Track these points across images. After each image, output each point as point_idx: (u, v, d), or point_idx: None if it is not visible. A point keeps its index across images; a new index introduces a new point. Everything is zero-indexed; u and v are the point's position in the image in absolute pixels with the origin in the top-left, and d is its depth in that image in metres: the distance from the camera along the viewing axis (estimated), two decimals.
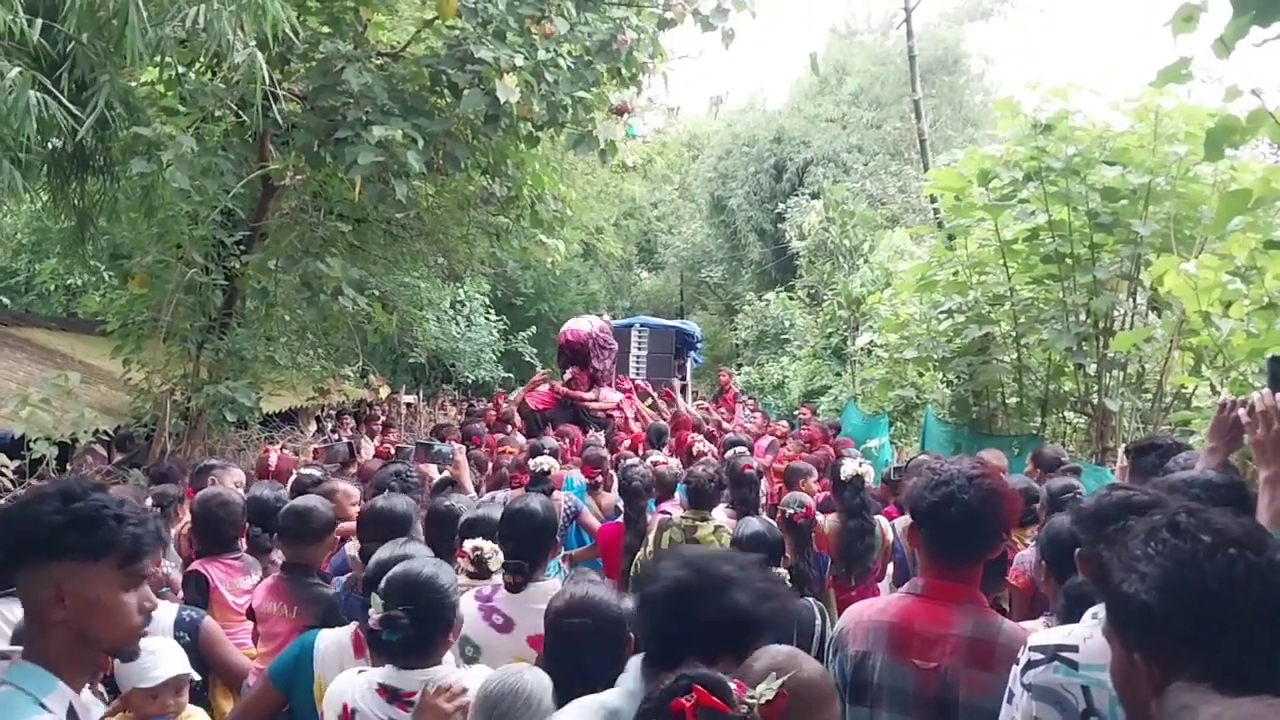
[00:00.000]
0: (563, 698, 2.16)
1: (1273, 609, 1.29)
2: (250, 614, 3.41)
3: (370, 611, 2.37)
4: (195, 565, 3.85)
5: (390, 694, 2.34)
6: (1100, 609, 2.05)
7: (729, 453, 5.96)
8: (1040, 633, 2.19)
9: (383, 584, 2.42)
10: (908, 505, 2.53)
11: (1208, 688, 1.19)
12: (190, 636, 3.14)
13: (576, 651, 2.27)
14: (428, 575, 2.44)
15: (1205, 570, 1.31)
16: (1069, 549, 2.26)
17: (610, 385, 11.55)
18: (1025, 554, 3.81)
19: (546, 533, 3.21)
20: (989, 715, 2.19)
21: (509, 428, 8.71)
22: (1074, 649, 2.02)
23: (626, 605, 2.86)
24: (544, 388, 11.31)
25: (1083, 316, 7.41)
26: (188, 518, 4.40)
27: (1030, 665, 2.06)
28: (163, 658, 2.69)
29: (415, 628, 2.34)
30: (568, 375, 11.21)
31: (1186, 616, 1.30)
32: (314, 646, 2.78)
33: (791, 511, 4.28)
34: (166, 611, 3.19)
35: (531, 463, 5.34)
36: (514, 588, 3.08)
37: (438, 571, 2.48)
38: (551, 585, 3.05)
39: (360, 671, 2.47)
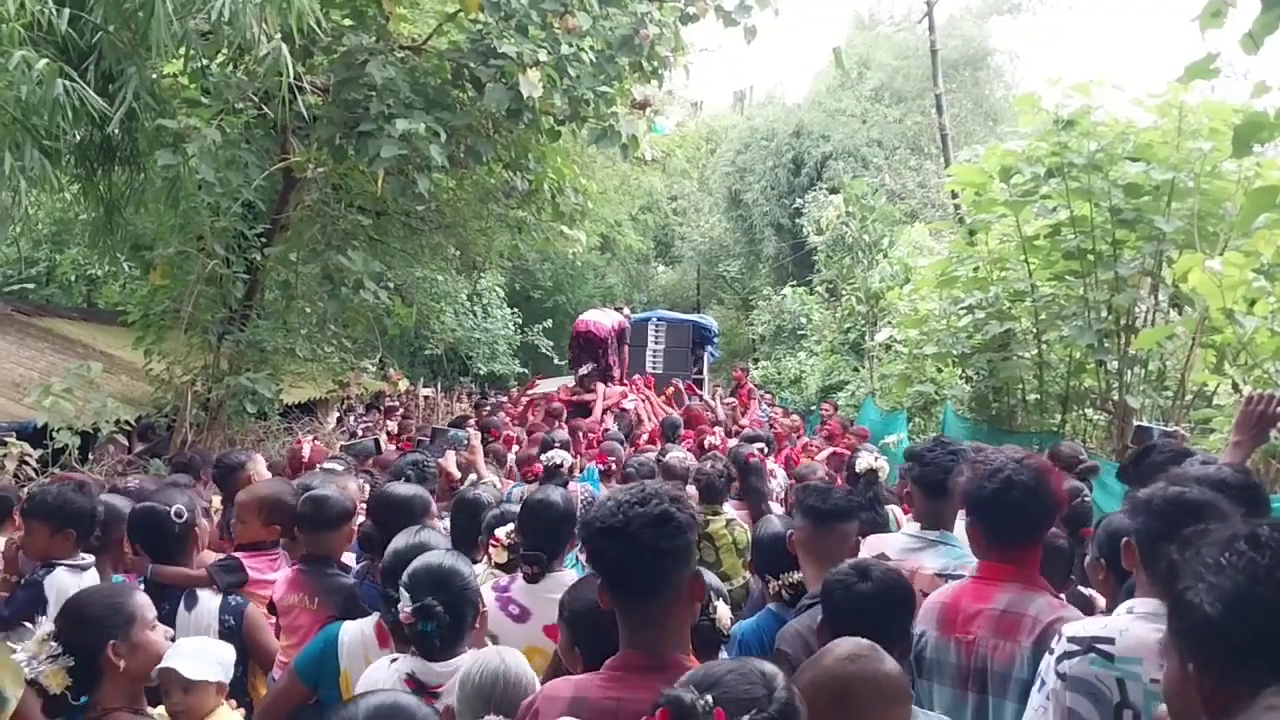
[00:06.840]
0: None
1: None
2: (271, 607, 3.41)
3: (399, 605, 2.38)
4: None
5: (418, 686, 2.34)
6: (1136, 603, 2.09)
7: (731, 443, 5.96)
8: (1077, 623, 2.21)
9: (405, 577, 2.42)
10: (963, 499, 2.63)
11: None
12: (235, 621, 3.19)
13: None
14: (449, 566, 2.46)
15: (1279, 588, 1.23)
16: None
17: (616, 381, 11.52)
18: None
19: (566, 524, 3.21)
20: (1017, 682, 2.29)
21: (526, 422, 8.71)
22: (1110, 641, 2.03)
23: None
24: (550, 388, 11.30)
25: (1104, 313, 7.35)
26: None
27: (1066, 655, 2.08)
28: (176, 650, 2.58)
29: (447, 616, 2.36)
30: (583, 371, 11.17)
31: (1249, 632, 1.23)
32: (338, 639, 2.78)
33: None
34: (211, 596, 3.23)
35: (544, 457, 5.32)
36: (532, 579, 3.10)
37: (457, 562, 2.50)
38: (568, 576, 3.07)
39: (393, 660, 2.48)
